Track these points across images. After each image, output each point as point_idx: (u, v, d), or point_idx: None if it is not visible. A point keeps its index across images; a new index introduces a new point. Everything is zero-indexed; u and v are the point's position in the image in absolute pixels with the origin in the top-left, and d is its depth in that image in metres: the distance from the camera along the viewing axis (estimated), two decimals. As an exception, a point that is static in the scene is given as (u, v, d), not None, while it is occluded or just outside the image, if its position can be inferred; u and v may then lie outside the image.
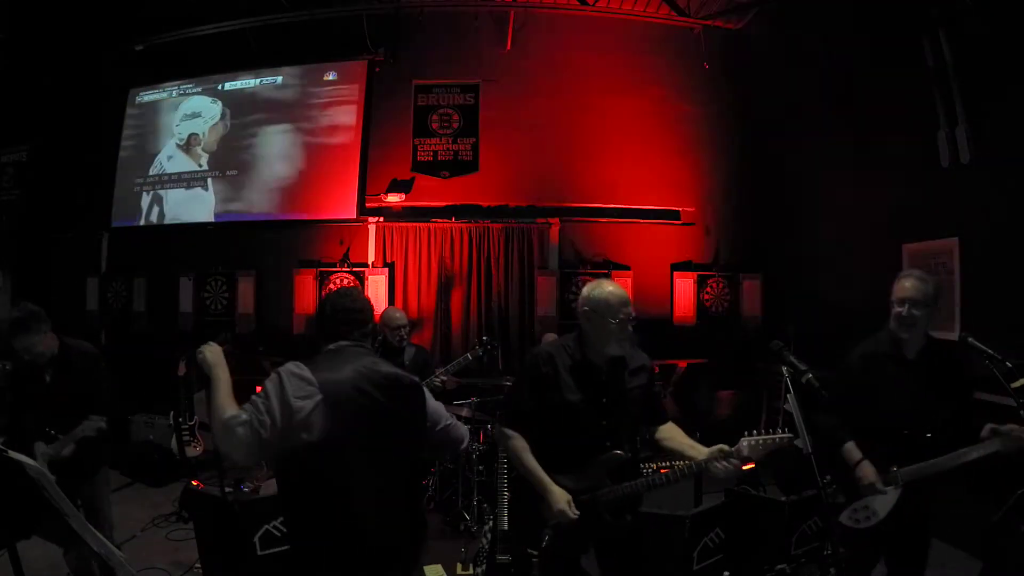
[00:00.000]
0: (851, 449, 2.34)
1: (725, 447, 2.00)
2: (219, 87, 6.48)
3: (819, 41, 5.04)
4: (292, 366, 1.70)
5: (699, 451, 2.10)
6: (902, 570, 2.43)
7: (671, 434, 2.26)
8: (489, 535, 3.17)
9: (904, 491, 2.29)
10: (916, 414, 2.32)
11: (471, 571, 3.42)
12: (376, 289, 5.89)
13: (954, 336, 3.85)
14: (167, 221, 6.45)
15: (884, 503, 2.31)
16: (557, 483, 2.12)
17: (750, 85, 6.45)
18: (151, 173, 6.54)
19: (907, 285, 2.36)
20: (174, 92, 6.61)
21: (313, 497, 1.67)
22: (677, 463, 2.17)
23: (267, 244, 6.24)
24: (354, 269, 5.97)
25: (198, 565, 3.27)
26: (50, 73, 6.57)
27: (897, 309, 2.37)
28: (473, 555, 3.42)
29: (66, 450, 2.63)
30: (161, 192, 6.48)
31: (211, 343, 1.87)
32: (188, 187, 6.42)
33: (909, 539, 2.41)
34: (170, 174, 6.48)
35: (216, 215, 6.33)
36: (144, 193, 6.52)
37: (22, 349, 2.60)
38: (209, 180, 6.38)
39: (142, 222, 6.50)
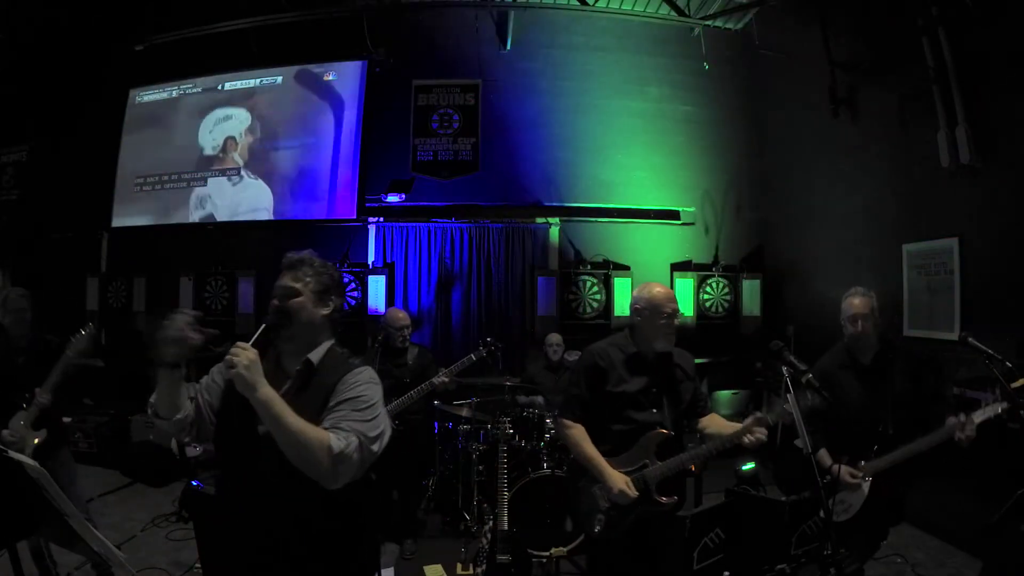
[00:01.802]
0: (823, 456, 2.52)
1: (752, 420, 2.22)
2: (219, 87, 6.49)
3: (819, 41, 5.04)
4: (372, 372, 1.62)
5: (734, 427, 2.31)
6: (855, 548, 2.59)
7: (711, 422, 2.47)
8: (489, 535, 3.18)
9: (874, 483, 2.49)
10: (876, 413, 2.53)
11: (471, 571, 3.42)
12: (376, 289, 5.89)
13: (954, 336, 3.86)
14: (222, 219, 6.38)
15: (858, 496, 2.51)
16: (612, 466, 2.31)
17: (750, 85, 6.45)
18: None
19: (856, 302, 2.61)
20: (174, 92, 6.60)
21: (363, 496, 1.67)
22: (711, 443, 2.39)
23: (267, 244, 6.23)
24: (354, 269, 5.97)
25: (198, 565, 3.27)
26: (50, 73, 6.56)
27: (850, 329, 2.61)
28: (473, 555, 3.42)
29: (43, 398, 2.80)
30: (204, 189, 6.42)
31: (241, 346, 1.45)
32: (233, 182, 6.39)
33: (874, 524, 2.62)
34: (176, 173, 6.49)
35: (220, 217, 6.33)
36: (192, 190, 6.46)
37: (16, 310, 2.92)
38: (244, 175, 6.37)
39: (193, 218, 6.43)
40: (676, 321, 2.38)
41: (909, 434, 2.45)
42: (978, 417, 2.32)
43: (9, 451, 1.54)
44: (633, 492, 2.24)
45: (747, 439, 2.21)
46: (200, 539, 3.08)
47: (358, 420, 1.48)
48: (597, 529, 2.34)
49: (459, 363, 3.90)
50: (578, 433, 2.37)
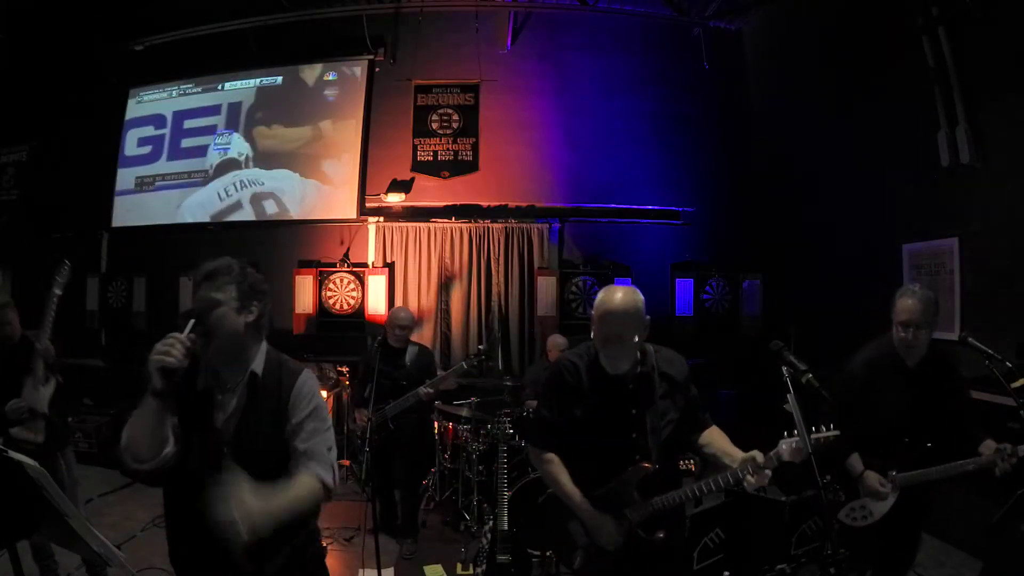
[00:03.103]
0: (854, 461, 2.40)
1: (757, 456, 1.80)
2: (219, 87, 6.48)
3: (819, 41, 5.04)
4: (309, 371, 1.69)
5: (733, 459, 1.89)
6: (891, 564, 2.49)
7: (710, 439, 2.05)
8: (489, 535, 3.18)
9: (900, 495, 2.36)
10: (917, 422, 2.38)
11: (471, 571, 3.42)
12: (376, 289, 5.89)
13: (954, 336, 3.85)
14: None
15: (881, 505, 2.38)
16: (595, 502, 1.98)
17: (750, 85, 6.45)
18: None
19: (910, 306, 2.36)
20: (174, 92, 6.61)
21: None
22: (709, 478, 1.97)
23: (267, 244, 6.23)
24: (354, 269, 5.96)
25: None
26: (50, 73, 6.56)
27: (901, 334, 2.38)
28: (473, 555, 3.43)
29: (42, 344, 2.91)
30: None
31: (175, 337, 1.42)
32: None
33: (900, 540, 2.48)
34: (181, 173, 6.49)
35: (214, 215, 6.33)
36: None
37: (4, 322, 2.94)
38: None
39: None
40: (628, 343, 1.90)
41: (947, 450, 2.34)
42: (1023, 451, 2.24)
43: (9, 451, 1.54)
44: (620, 537, 1.95)
45: (748, 481, 1.82)
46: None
47: (325, 433, 1.59)
48: (576, 565, 2.05)
49: (444, 374, 3.88)
50: (554, 467, 2.03)
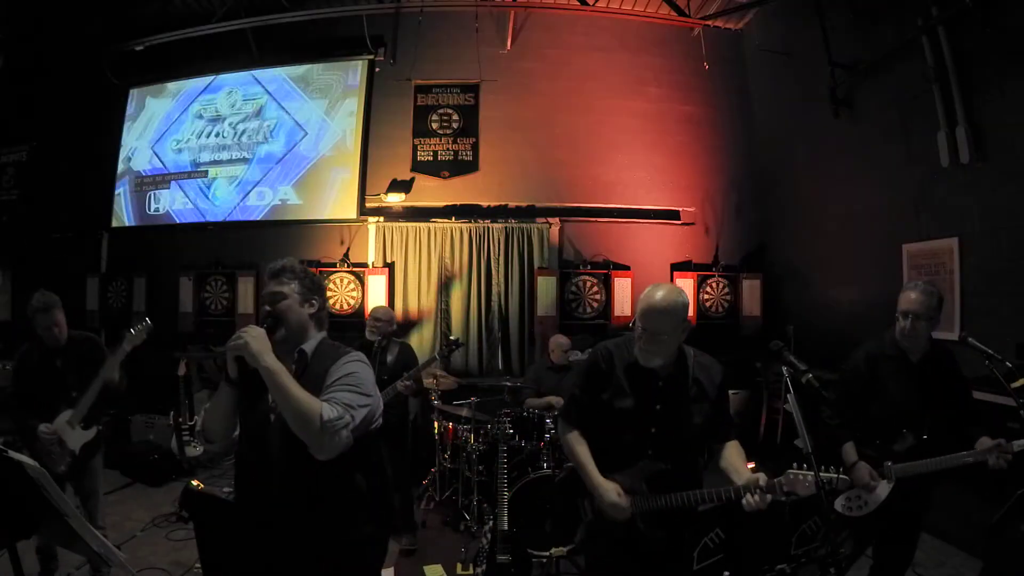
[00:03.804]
0: (849, 450, 2.43)
1: (762, 478, 1.84)
2: (218, 87, 6.48)
3: (819, 41, 5.03)
4: (362, 355, 1.80)
5: (741, 476, 1.93)
6: (889, 561, 2.51)
7: (726, 452, 2.06)
8: (489, 535, 3.18)
9: (897, 486, 2.38)
10: (916, 415, 2.41)
11: (471, 571, 3.42)
12: (376, 289, 5.89)
13: (954, 336, 3.85)
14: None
15: (877, 495, 2.41)
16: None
17: (750, 85, 6.45)
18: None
19: (912, 297, 2.42)
20: (174, 92, 6.60)
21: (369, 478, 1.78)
22: (713, 489, 1.99)
23: (267, 244, 6.23)
24: (354, 269, 5.97)
25: (198, 565, 3.27)
26: (50, 73, 6.56)
27: (901, 323, 2.43)
28: (473, 555, 3.43)
29: (113, 375, 2.96)
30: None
31: (253, 326, 1.67)
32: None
33: (899, 532, 2.51)
34: (178, 172, 6.49)
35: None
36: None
37: (44, 327, 2.96)
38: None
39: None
40: (663, 339, 1.97)
41: (943, 443, 2.36)
42: (1018, 447, 2.25)
43: (9, 451, 1.54)
44: (624, 503, 1.98)
45: (747, 501, 1.85)
46: (201, 538, 3.08)
47: (347, 390, 1.65)
48: (577, 539, 2.17)
49: (419, 366, 3.91)
50: (573, 437, 2.14)
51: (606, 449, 2.08)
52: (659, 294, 1.98)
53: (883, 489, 2.40)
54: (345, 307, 5.91)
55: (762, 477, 1.84)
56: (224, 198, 6.33)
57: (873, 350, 2.53)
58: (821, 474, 1.81)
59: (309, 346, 1.79)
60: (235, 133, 6.38)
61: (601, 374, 2.10)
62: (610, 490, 2.00)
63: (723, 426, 2.09)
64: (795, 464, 1.83)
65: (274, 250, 6.23)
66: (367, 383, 1.72)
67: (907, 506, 2.45)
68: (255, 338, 1.60)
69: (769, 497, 1.83)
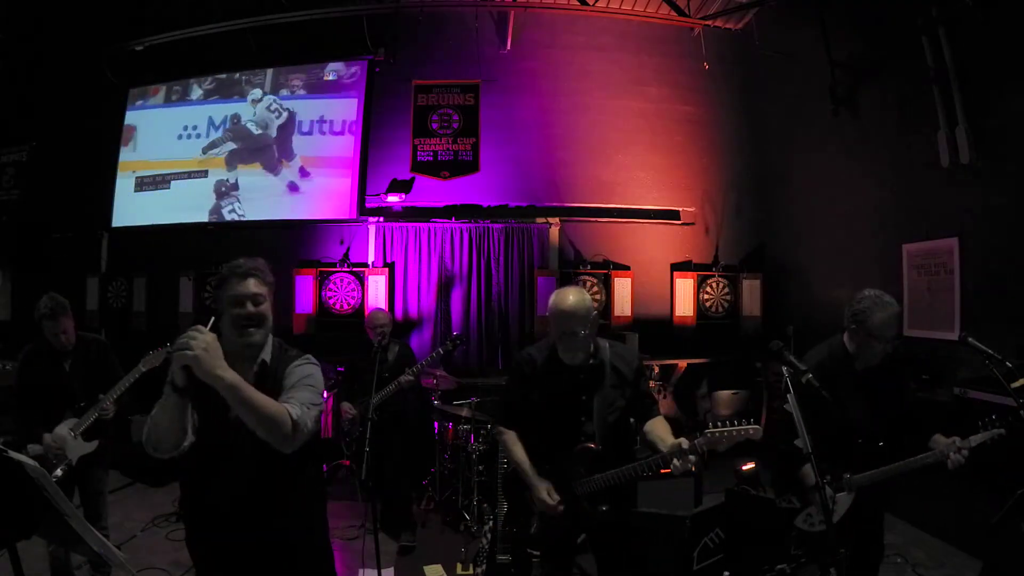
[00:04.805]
0: (808, 472, 2.33)
1: (684, 442, 2.04)
2: (218, 87, 6.48)
3: (819, 41, 5.04)
4: (313, 358, 1.84)
5: (666, 445, 2.10)
6: (858, 564, 2.51)
7: (652, 427, 2.28)
8: (489, 535, 3.18)
9: (857, 496, 2.36)
10: (869, 422, 2.37)
11: (471, 571, 3.43)
12: (376, 289, 5.89)
13: (954, 336, 3.86)
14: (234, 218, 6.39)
15: (837, 509, 2.34)
16: (543, 474, 2.26)
17: (750, 85, 6.45)
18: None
19: (894, 319, 2.34)
20: (174, 92, 6.60)
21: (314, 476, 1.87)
22: (642, 460, 2.20)
23: (267, 244, 6.22)
24: (354, 269, 5.97)
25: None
26: (50, 73, 6.56)
27: (882, 346, 2.34)
28: (473, 555, 3.43)
29: (107, 407, 2.91)
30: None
31: (198, 329, 1.48)
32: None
33: (862, 536, 2.49)
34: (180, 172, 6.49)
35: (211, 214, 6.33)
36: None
37: (52, 334, 2.95)
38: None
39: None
40: (580, 336, 2.19)
41: (900, 446, 2.33)
42: (975, 441, 2.22)
43: (9, 451, 1.54)
44: (553, 501, 2.19)
45: (674, 464, 2.04)
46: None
47: (307, 390, 1.69)
48: (533, 530, 2.34)
49: (423, 361, 4.08)
50: (509, 438, 2.35)
51: (543, 442, 2.29)
52: (571, 298, 2.21)
53: (844, 502, 2.35)
54: (345, 307, 5.91)
55: (684, 441, 2.04)
56: (225, 198, 6.32)
57: (822, 358, 2.46)
58: (729, 428, 1.98)
59: (267, 353, 1.79)
60: (235, 133, 6.38)
61: (526, 377, 2.33)
62: (541, 489, 2.22)
63: (645, 406, 2.34)
64: (710, 424, 2.01)
65: (274, 250, 6.23)
66: (321, 384, 1.79)
67: (868, 512, 2.43)
68: (206, 351, 1.44)
69: (693, 458, 2.02)
